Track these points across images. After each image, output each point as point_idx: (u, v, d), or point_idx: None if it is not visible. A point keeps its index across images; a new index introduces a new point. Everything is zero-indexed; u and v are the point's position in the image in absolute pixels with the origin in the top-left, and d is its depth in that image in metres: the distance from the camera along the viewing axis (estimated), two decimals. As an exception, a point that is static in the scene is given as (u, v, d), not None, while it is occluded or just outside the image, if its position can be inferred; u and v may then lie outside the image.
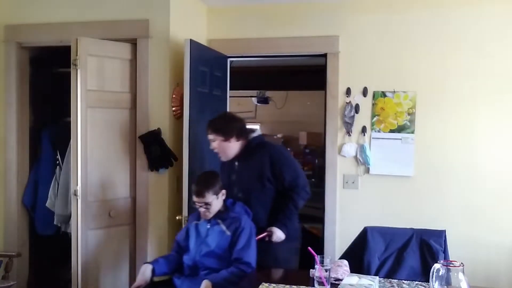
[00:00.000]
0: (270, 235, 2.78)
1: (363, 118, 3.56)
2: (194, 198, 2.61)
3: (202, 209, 2.61)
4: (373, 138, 3.55)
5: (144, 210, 3.26)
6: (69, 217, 3.21)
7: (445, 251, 2.64)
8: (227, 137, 2.82)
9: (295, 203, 2.85)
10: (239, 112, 4.45)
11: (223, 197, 2.69)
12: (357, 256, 2.66)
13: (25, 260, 3.59)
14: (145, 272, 2.61)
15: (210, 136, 2.83)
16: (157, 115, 3.23)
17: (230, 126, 2.84)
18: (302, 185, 2.88)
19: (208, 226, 2.67)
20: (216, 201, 2.63)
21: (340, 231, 3.60)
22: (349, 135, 3.57)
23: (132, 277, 3.26)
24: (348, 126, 3.57)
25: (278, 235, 2.78)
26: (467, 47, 3.39)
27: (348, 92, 3.57)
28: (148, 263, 2.70)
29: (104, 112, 3.15)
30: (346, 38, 3.58)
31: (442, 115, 3.44)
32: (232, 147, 2.86)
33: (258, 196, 2.87)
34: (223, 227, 2.64)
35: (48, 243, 3.69)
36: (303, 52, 3.67)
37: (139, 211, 3.27)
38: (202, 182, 2.63)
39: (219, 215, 2.66)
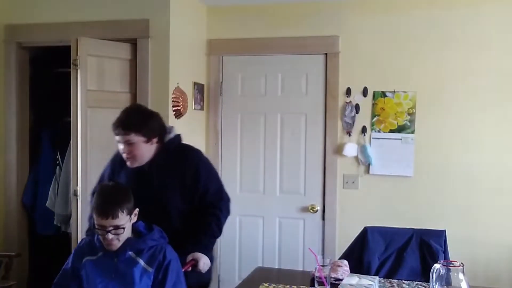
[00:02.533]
0: (195, 264, 2.28)
1: (363, 118, 3.56)
2: (99, 221, 1.98)
3: (109, 236, 1.97)
4: (373, 138, 3.55)
5: (144, 210, 3.25)
6: (69, 217, 3.21)
7: (445, 251, 2.64)
8: (149, 137, 2.28)
9: (219, 222, 2.41)
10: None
11: (135, 219, 2.11)
12: (357, 256, 2.66)
13: (25, 260, 3.59)
14: None
15: (127, 137, 2.24)
16: (157, 115, 3.22)
17: (151, 122, 2.31)
18: (226, 200, 2.51)
19: (115, 261, 2.04)
20: (129, 224, 2.04)
21: (340, 231, 3.61)
22: (349, 135, 3.58)
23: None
24: (348, 126, 3.57)
25: (204, 261, 2.30)
26: (467, 47, 3.39)
27: (348, 92, 3.57)
28: None
29: (104, 112, 3.14)
30: (346, 38, 3.58)
31: (442, 115, 3.44)
32: (151, 151, 2.33)
33: (176, 214, 2.34)
34: (141, 262, 2.04)
35: (48, 243, 3.69)
36: (303, 52, 3.67)
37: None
38: (112, 197, 2.03)
39: (129, 244, 2.05)
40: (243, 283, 2.44)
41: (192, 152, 2.48)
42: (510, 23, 3.33)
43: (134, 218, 2.08)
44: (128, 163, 2.32)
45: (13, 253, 3.30)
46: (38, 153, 3.67)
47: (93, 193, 2.40)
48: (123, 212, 1.99)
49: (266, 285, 2.28)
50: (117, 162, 2.45)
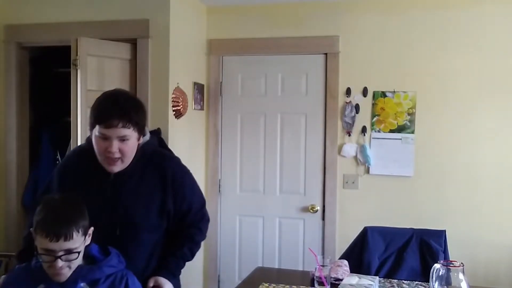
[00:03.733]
0: None
1: (363, 118, 3.56)
2: (46, 243, 1.57)
3: (59, 264, 1.57)
4: (373, 138, 3.55)
5: (144, 210, 3.25)
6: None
7: (445, 251, 2.64)
8: (142, 133, 1.89)
9: (193, 246, 2.05)
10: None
11: (89, 240, 1.71)
12: (357, 256, 2.66)
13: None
14: None
15: (124, 131, 1.78)
16: (157, 115, 3.23)
17: (144, 113, 1.90)
18: (207, 220, 2.15)
19: None
20: (83, 247, 1.66)
21: (340, 231, 3.61)
22: (349, 135, 3.58)
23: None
24: (348, 126, 3.57)
25: None
26: (467, 47, 3.39)
27: (348, 92, 3.57)
28: None
29: (104, 112, 3.14)
30: (346, 38, 3.58)
31: (442, 115, 3.44)
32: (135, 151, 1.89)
33: (148, 237, 1.93)
34: None
35: (48, 243, 3.69)
36: (303, 52, 3.67)
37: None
38: (64, 213, 1.62)
39: (81, 273, 1.65)
40: (243, 283, 2.44)
41: (173, 162, 2.06)
42: (510, 23, 3.33)
43: (88, 240, 1.68)
44: (109, 167, 1.83)
45: (13, 253, 3.30)
46: (38, 153, 3.67)
47: (32, 207, 1.80)
48: (78, 232, 1.59)
49: (266, 285, 2.28)
50: (68, 173, 1.96)
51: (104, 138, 1.78)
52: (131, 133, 1.80)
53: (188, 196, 2.03)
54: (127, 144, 1.80)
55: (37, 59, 3.66)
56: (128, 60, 3.26)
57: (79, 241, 1.61)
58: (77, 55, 2.97)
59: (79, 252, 1.61)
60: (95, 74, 3.09)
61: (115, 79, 3.21)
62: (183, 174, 2.05)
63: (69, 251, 1.58)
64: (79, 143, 2.98)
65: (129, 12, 3.25)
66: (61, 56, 3.32)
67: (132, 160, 1.88)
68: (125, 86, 3.25)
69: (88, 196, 1.77)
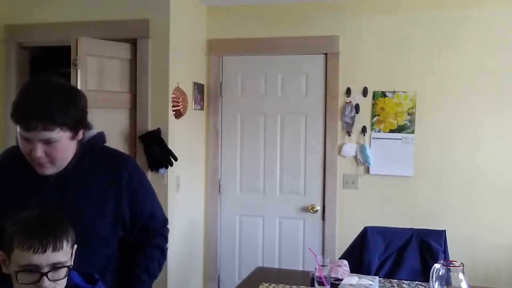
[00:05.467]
0: None
1: (363, 118, 3.56)
2: (29, 257, 1.30)
3: (45, 283, 1.30)
4: (373, 138, 3.55)
5: (144, 210, 3.25)
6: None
7: (445, 251, 2.64)
8: (76, 130, 1.57)
9: (162, 258, 1.79)
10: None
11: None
12: (357, 256, 2.66)
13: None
14: None
15: (47, 134, 1.46)
16: (157, 115, 3.23)
17: (78, 105, 1.57)
18: (167, 223, 1.87)
19: None
20: (71, 265, 1.40)
21: (340, 231, 3.61)
22: (349, 135, 3.58)
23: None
24: (348, 126, 3.57)
25: None
26: (467, 47, 3.39)
27: (348, 92, 3.57)
28: None
29: (104, 112, 3.14)
30: (346, 38, 3.58)
31: (442, 115, 3.44)
32: (73, 149, 1.61)
33: (98, 248, 1.64)
34: None
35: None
36: (303, 52, 3.67)
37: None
38: (49, 219, 1.38)
39: None
40: (243, 283, 2.44)
41: (129, 162, 1.78)
42: (510, 23, 3.33)
43: (72, 259, 1.41)
44: (40, 170, 1.54)
45: None
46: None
47: None
48: (68, 242, 1.36)
49: (266, 285, 2.28)
50: None
51: (27, 140, 1.48)
52: (58, 135, 1.47)
53: (149, 201, 1.76)
54: (55, 147, 1.49)
55: (37, 59, 3.66)
56: (128, 60, 3.26)
57: (68, 254, 1.36)
58: (77, 55, 2.97)
59: (68, 269, 1.35)
60: (95, 74, 3.09)
61: (115, 79, 3.21)
62: (141, 176, 1.79)
63: (56, 266, 1.32)
64: (79, 143, 2.96)
65: (129, 12, 3.25)
66: (61, 56, 3.32)
67: (76, 157, 1.60)
68: (125, 86, 3.25)
69: (25, 204, 1.49)
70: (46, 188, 1.58)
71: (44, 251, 1.30)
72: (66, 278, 1.36)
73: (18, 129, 1.50)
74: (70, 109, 1.50)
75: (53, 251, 1.31)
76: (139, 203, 1.71)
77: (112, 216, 1.64)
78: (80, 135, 1.60)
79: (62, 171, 1.59)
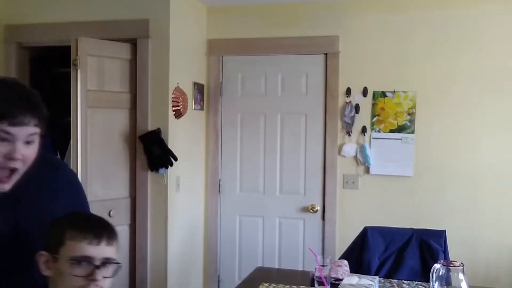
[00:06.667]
0: None
1: (363, 118, 3.56)
2: (82, 249, 1.26)
3: (97, 276, 1.26)
4: (373, 138, 3.55)
5: (144, 210, 3.26)
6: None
7: (445, 251, 2.64)
8: (45, 133, 1.37)
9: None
10: None
11: None
12: (357, 256, 2.66)
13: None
14: None
15: (32, 130, 1.30)
16: (157, 115, 3.23)
17: (40, 102, 1.37)
18: None
19: None
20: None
21: (340, 231, 3.61)
22: (349, 135, 3.58)
23: (132, 276, 3.27)
24: (348, 126, 3.57)
25: None
26: (467, 47, 3.39)
27: (348, 92, 3.57)
28: None
29: (104, 112, 3.15)
30: (346, 38, 3.58)
31: (442, 115, 3.44)
32: None
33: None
34: None
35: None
36: (303, 52, 3.67)
37: (139, 211, 3.27)
38: (100, 217, 1.39)
39: None
40: (243, 283, 2.44)
41: (67, 168, 1.68)
42: (510, 23, 3.33)
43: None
44: (3, 185, 1.30)
45: None
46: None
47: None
48: (117, 241, 1.35)
49: (266, 285, 2.29)
50: None
51: (4, 139, 1.25)
52: (37, 134, 1.33)
53: (87, 209, 1.61)
54: (32, 149, 1.32)
55: (37, 59, 3.66)
56: (128, 60, 3.26)
57: (116, 253, 1.33)
58: (77, 55, 2.97)
59: (117, 267, 1.31)
60: (95, 74, 3.09)
61: (115, 79, 3.21)
62: (79, 183, 1.63)
63: (108, 262, 1.29)
64: (79, 143, 2.98)
65: (129, 12, 3.25)
66: (61, 56, 3.32)
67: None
68: (125, 86, 3.26)
69: None
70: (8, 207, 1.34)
71: (99, 243, 1.28)
72: (111, 279, 1.32)
73: None
74: (44, 107, 1.35)
75: (106, 245, 1.30)
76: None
77: None
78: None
79: (17, 187, 1.34)
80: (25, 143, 1.29)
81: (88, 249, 1.27)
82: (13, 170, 1.30)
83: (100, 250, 1.28)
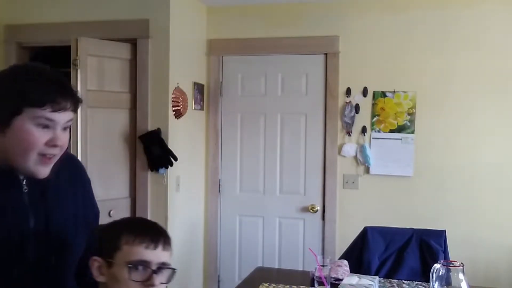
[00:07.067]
0: None
1: (363, 118, 3.56)
2: (139, 254, 1.25)
3: (156, 281, 1.25)
4: (373, 138, 3.55)
5: (144, 210, 3.26)
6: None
7: (445, 251, 2.64)
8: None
9: None
10: None
11: None
12: (357, 256, 2.66)
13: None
14: None
15: (71, 115, 1.29)
16: (157, 115, 3.23)
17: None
18: None
19: None
20: None
21: (340, 231, 3.61)
22: (349, 135, 3.58)
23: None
24: (348, 126, 3.57)
25: None
26: (467, 47, 3.39)
27: (348, 92, 3.57)
28: None
29: (104, 112, 3.15)
30: (346, 38, 3.58)
31: (442, 115, 3.44)
32: None
33: (76, 257, 1.42)
34: None
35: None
36: (303, 52, 3.67)
37: (139, 211, 3.27)
38: (158, 225, 1.36)
39: None
40: (243, 283, 2.44)
41: (77, 158, 1.67)
42: (510, 23, 3.33)
43: None
44: (42, 169, 1.27)
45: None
46: None
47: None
48: (171, 246, 1.33)
49: (266, 285, 2.29)
50: None
51: (46, 126, 1.23)
52: (72, 119, 1.31)
53: (94, 198, 1.56)
54: (67, 135, 1.30)
55: (37, 59, 3.66)
56: (128, 60, 3.26)
57: (170, 258, 1.32)
58: (77, 55, 2.97)
59: (173, 272, 1.30)
60: (95, 74, 3.09)
61: (115, 79, 3.21)
62: (84, 172, 1.56)
63: (163, 267, 1.27)
64: (79, 143, 2.98)
65: (129, 12, 3.25)
66: (61, 56, 3.32)
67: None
68: (125, 86, 3.26)
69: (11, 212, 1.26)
70: (20, 200, 1.29)
71: (155, 248, 1.27)
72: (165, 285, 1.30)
73: (30, 115, 1.21)
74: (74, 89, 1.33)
75: (162, 250, 1.28)
76: (88, 201, 1.54)
77: (81, 219, 1.45)
78: None
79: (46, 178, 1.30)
80: (63, 129, 1.27)
81: (146, 253, 1.25)
82: (54, 156, 1.27)
83: (157, 255, 1.27)
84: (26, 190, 1.30)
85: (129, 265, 1.23)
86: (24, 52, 3.55)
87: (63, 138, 1.26)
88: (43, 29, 3.38)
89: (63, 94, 1.24)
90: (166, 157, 3.20)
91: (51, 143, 1.24)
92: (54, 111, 1.23)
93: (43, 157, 1.25)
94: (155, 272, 1.25)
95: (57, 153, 1.28)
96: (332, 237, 3.63)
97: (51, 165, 1.28)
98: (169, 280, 1.29)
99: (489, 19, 3.35)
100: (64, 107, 1.24)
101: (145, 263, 1.25)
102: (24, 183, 1.30)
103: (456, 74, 3.41)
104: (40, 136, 1.23)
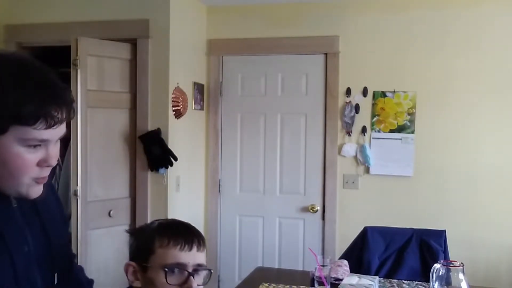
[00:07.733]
0: None
1: (363, 118, 3.56)
2: (174, 256, 1.23)
3: (193, 284, 1.23)
4: (373, 138, 3.55)
5: (144, 210, 3.26)
6: (69, 217, 3.21)
7: (445, 251, 2.64)
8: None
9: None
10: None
11: None
12: (357, 256, 2.66)
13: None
14: None
15: (64, 128, 1.07)
16: (157, 115, 3.23)
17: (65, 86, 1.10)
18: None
19: None
20: None
21: (340, 231, 3.61)
22: (349, 135, 3.58)
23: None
24: (348, 126, 3.57)
25: None
26: (467, 47, 3.39)
27: (348, 92, 3.57)
28: None
29: (104, 112, 3.15)
30: (346, 38, 3.58)
31: (442, 115, 3.44)
32: None
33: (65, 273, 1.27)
34: None
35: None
36: (303, 52, 3.67)
37: (139, 211, 3.27)
38: (191, 226, 1.34)
39: None
40: (243, 283, 2.44)
41: None
42: (510, 23, 3.33)
43: None
44: (36, 189, 1.08)
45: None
46: None
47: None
48: (206, 246, 1.33)
49: (266, 285, 2.29)
50: None
51: (37, 146, 1.03)
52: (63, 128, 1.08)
53: (62, 204, 1.41)
54: (58, 146, 1.10)
55: (37, 59, 3.66)
56: (128, 60, 3.26)
57: (205, 260, 1.30)
58: (77, 55, 2.97)
59: (209, 273, 1.28)
60: (95, 74, 3.09)
61: (115, 79, 3.21)
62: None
63: (199, 268, 1.26)
64: (79, 143, 2.98)
65: (129, 12, 3.25)
66: (61, 56, 3.32)
67: None
68: (125, 86, 3.26)
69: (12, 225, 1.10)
70: (13, 217, 1.10)
71: (190, 249, 1.25)
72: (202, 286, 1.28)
73: (20, 135, 0.99)
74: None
75: (197, 251, 1.27)
76: (64, 213, 1.43)
77: (66, 235, 1.36)
78: None
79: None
80: (55, 143, 1.08)
81: (181, 255, 1.24)
82: (44, 176, 1.09)
83: (192, 256, 1.25)
84: (15, 206, 1.12)
85: (165, 269, 1.21)
86: (24, 52, 3.55)
87: (56, 154, 1.07)
88: (43, 29, 3.38)
89: (58, 104, 1.02)
90: (166, 157, 3.20)
91: (44, 164, 1.05)
92: (47, 128, 1.00)
93: (36, 179, 1.07)
94: (191, 274, 1.23)
95: (47, 172, 1.10)
96: (332, 237, 3.63)
97: (44, 182, 1.10)
98: (205, 282, 1.27)
99: (489, 19, 3.35)
100: (59, 121, 1.02)
101: (181, 266, 1.23)
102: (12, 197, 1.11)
103: (456, 74, 3.41)
104: (31, 159, 1.03)
